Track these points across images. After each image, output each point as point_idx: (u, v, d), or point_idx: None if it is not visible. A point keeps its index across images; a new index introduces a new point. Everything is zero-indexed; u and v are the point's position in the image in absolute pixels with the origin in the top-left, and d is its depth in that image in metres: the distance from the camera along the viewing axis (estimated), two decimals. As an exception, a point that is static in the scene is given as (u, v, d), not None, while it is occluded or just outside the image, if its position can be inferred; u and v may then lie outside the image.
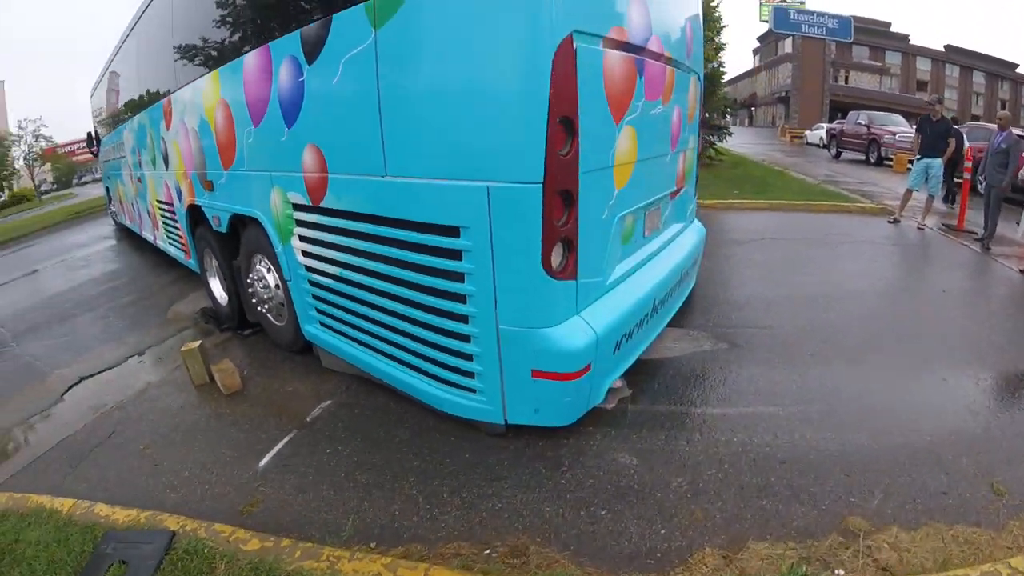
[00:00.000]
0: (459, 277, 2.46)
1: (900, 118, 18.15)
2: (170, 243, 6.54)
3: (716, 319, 4.39)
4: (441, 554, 2.14)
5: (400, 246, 2.66)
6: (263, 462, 2.92)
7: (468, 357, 2.61)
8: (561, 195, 2.32)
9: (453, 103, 2.28)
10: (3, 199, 37.68)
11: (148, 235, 7.93)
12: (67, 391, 4.16)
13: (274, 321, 4.26)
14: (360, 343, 3.27)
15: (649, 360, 3.64)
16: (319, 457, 2.89)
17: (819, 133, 23.41)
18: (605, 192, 2.68)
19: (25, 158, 40.27)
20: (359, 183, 2.79)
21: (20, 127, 39.34)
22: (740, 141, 23.68)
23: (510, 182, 2.22)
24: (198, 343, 3.99)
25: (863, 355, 3.79)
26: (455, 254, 2.43)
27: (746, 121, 57.29)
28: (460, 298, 2.50)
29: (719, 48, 14.87)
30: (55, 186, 46.76)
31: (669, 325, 3.92)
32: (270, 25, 3.26)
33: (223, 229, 4.34)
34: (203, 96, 4.18)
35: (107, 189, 12.12)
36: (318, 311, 3.54)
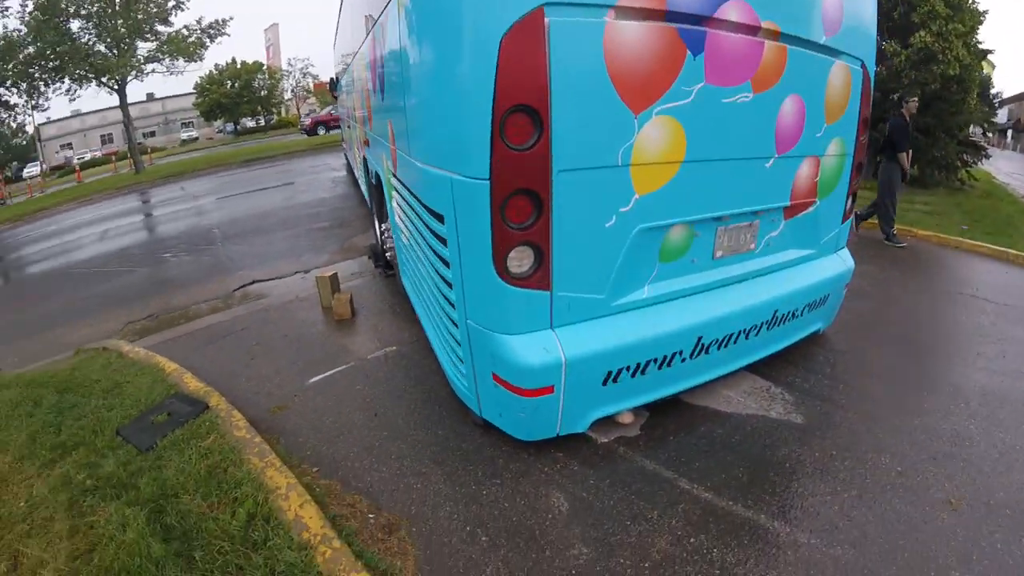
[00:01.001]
0: (446, 263, 2.49)
1: None
2: (362, 184, 7.85)
3: (819, 382, 3.41)
4: (341, 499, 2.44)
5: (423, 223, 2.79)
6: (312, 379, 3.55)
7: (458, 342, 2.65)
8: (523, 194, 2.15)
9: (432, 90, 2.31)
10: (273, 121, 47.54)
11: (357, 174, 9.61)
12: (238, 288, 5.51)
13: (397, 268, 4.93)
14: (420, 301, 3.63)
15: (693, 406, 3.12)
16: (349, 390, 3.39)
17: None
18: (611, 196, 2.36)
19: (292, 91, 49.68)
20: (403, 160, 3.05)
21: (290, 64, 48.46)
22: (1014, 169, 17.92)
23: (464, 175, 2.16)
24: (332, 272, 4.88)
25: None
26: (443, 240, 2.45)
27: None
28: (449, 284, 2.54)
29: (974, 48, 11.43)
30: (321, 117, 57.72)
31: (757, 372, 3.41)
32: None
33: (374, 181, 5.15)
34: (365, 63, 4.94)
35: (341, 128, 14.94)
36: (404, 265, 4.04)
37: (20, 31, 19.35)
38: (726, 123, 2.56)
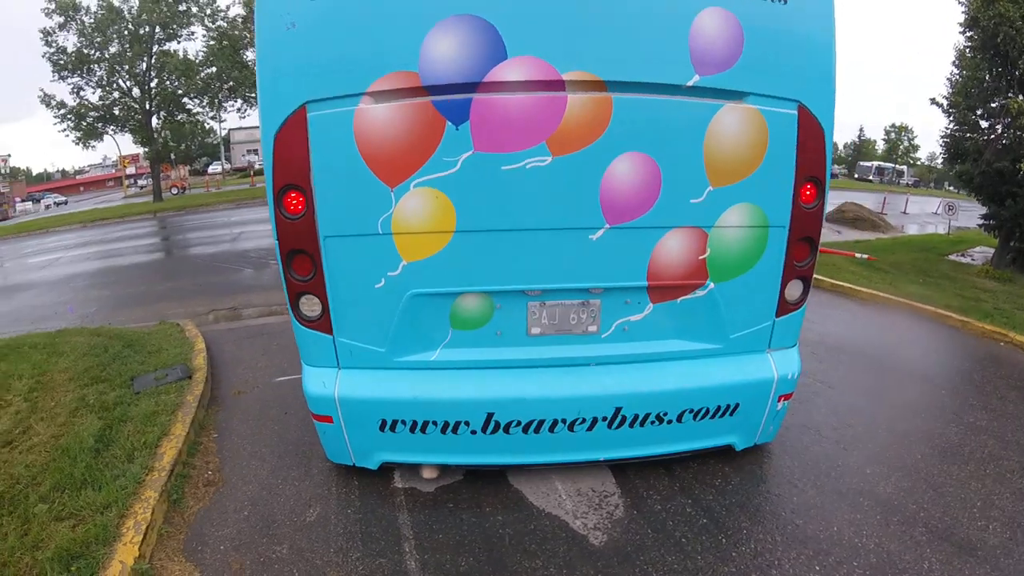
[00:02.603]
0: None
1: None
2: None
3: (677, 510, 3.09)
4: (206, 456, 3.65)
5: None
6: (278, 379, 4.91)
7: None
8: (301, 253, 2.70)
9: None
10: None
11: None
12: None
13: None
14: None
15: (508, 486, 3.32)
16: (291, 393, 4.53)
17: None
18: (377, 261, 2.72)
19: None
20: None
21: None
22: None
23: (272, 235, 2.78)
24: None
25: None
26: None
27: None
28: None
29: None
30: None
31: (619, 472, 3.41)
32: None
33: None
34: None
35: None
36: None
37: (201, 53, 26.40)
38: (513, 191, 2.57)
